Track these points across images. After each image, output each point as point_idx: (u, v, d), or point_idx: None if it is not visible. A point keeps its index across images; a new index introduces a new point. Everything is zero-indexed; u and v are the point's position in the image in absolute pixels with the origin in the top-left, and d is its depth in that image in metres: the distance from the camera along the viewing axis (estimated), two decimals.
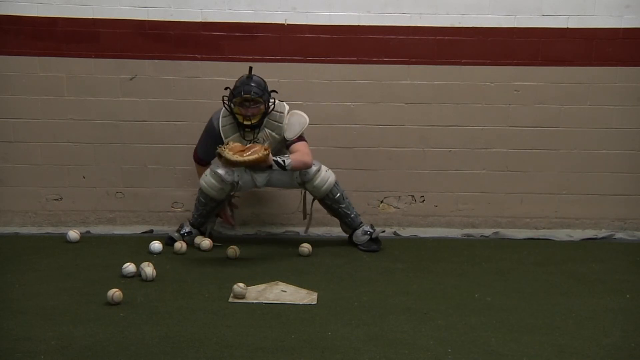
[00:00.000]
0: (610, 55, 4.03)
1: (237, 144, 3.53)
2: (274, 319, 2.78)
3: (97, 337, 2.58)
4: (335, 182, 3.74)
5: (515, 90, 4.09)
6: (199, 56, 4.02)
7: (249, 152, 3.45)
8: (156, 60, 4.01)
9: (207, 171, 3.68)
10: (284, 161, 3.52)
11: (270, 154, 3.50)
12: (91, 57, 3.99)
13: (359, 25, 4.00)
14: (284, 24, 4.00)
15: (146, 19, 3.96)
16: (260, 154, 3.43)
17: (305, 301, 2.98)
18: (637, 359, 2.53)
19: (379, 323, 2.76)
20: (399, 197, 4.22)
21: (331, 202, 3.77)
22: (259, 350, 2.49)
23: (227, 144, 3.53)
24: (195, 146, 3.84)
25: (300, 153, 3.61)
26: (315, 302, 2.97)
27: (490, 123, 4.13)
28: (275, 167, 3.51)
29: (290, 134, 3.66)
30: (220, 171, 3.60)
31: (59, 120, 4.06)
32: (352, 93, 4.08)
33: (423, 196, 4.22)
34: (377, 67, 4.05)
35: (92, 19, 3.95)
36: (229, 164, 3.45)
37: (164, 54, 4.00)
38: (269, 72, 3.93)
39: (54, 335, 2.58)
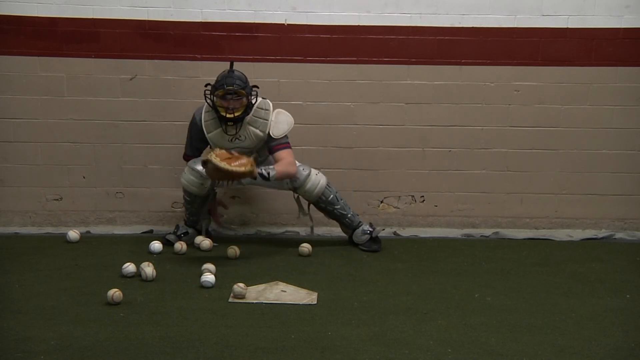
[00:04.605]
0: (610, 55, 4.03)
1: (224, 151, 3.39)
2: (274, 319, 2.78)
3: (97, 337, 2.58)
4: (327, 185, 3.74)
5: (515, 90, 4.09)
6: (199, 56, 4.02)
7: (237, 163, 3.34)
8: (156, 60, 4.01)
9: (186, 169, 3.70)
10: (268, 173, 3.50)
11: (256, 167, 3.43)
12: (91, 57, 3.99)
13: (358, 25, 4.00)
14: (284, 24, 3.99)
15: (146, 19, 3.95)
16: (247, 169, 3.35)
17: (305, 301, 2.98)
18: (637, 358, 2.53)
19: (379, 323, 2.76)
20: (399, 197, 4.22)
21: (325, 204, 3.76)
22: (259, 350, 2.49)
23: (213, 150, 3.42)
24: (184, 148, 3.82)
25: (284, 163, 3.59)
26: (315, 302, 2.97)
27: (490, 123, 4.12)
28: (259, 179, 3.50)
29: (276, 132, 3.63)
30: (198, 167, 3.61)
31: (59, 120, 4.06)
32: (352, 93, 4.07)
33: (423, 196, 4.22)
34: (377, 67, 4.05)
35: (92, 19, 3.95)
36: (215, 170, 3.32)
37: (164, 54, 4.00)
38: (269, 72, 3.95)
39: (54, 335, 2.58)
